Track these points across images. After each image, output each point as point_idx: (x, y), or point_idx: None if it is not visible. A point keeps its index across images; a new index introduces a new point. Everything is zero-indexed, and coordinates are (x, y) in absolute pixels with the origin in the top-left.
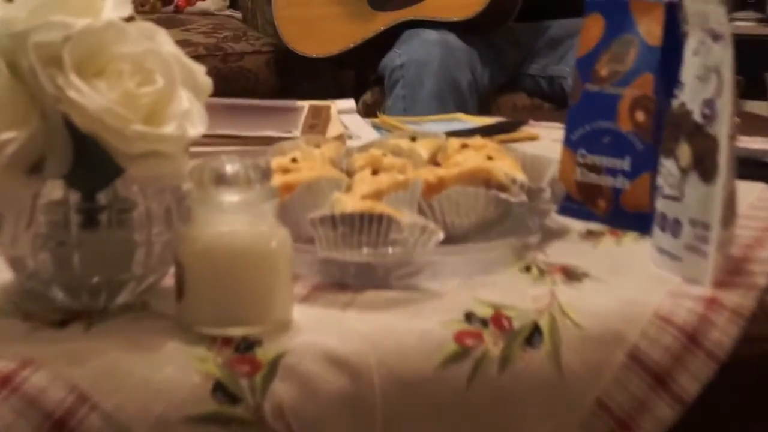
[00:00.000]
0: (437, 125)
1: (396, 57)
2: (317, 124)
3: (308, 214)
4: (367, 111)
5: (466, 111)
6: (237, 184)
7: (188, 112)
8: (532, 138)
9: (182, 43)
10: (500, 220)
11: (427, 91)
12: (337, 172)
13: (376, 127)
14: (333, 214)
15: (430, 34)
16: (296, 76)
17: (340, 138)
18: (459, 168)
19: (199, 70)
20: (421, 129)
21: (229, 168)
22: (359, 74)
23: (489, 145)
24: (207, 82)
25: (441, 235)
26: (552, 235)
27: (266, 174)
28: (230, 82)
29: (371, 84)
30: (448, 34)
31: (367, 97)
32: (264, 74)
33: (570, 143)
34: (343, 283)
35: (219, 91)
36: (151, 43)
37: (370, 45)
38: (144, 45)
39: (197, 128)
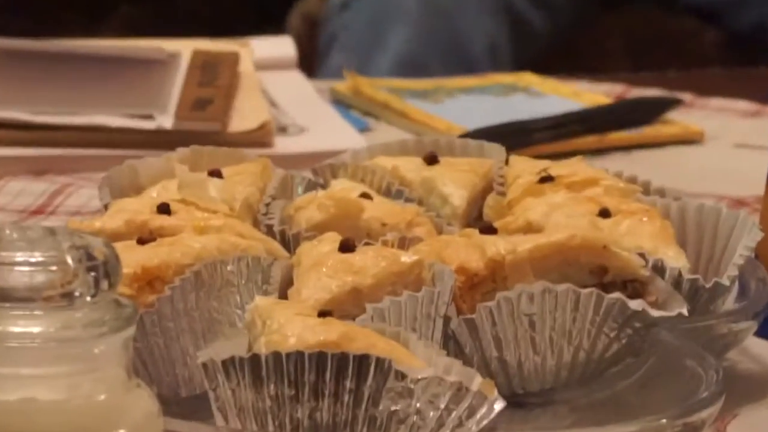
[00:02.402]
0: (472, 102)
1: None
2: (211, 99)
3: (199, 348)
4: (306, 56)
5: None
6: (35, 299)
7: None
8: (694, 137)
9: None
10: (628, 355)
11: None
12: (261, 240)
13: (343, 104)
14: (256, 355)
15: None
16: None
17: (263, 134)
18: (535, 238)
19: None
20: (444, 116)
21: (20, 260)
22: None
23: (601, 177)
24: None
25: (501, 402)
26: (748, 391)
27: (107, 266)
28: None
29: None
30: None
31: (309, 4)
32: None
33: None
34: None
35: None
36: None
37: None
38: None
39: None
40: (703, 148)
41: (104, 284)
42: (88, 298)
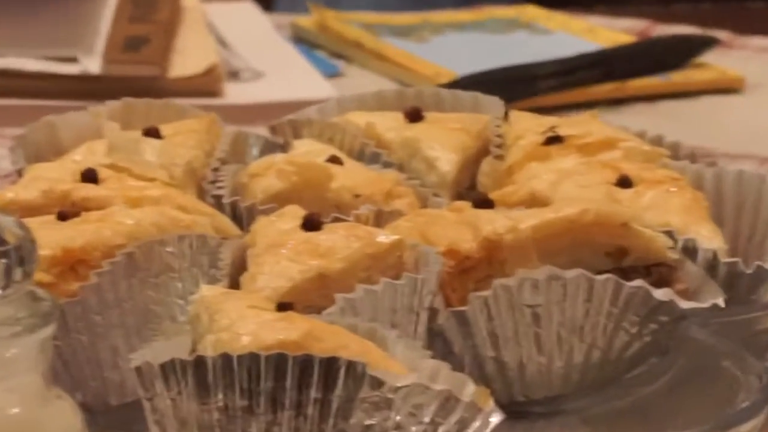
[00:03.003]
0: (465, 41)
1: None
2: (147, 37)
3: (132, 348)
4: None
5: None
6: None
7: None
8: (732, 85)
9: None
10: (652, 355)
11: None
12: (207, 214)
13: (307, 43)
14: (202, 357)
15: None
16: None
17: (210, 81)
18: (540, 213)
19: None
20: (430, 58)
21: None
22: None
23: (620, 138)
24: None
25: (498, 414)
26: None
27: (21, 252)
28: None
29: None
30: None
31: None
32: None
33: None
34: None
35: None
36: None
37: None
38: None
39: None
40: (743, 98)
41: (17, 274)
42: None
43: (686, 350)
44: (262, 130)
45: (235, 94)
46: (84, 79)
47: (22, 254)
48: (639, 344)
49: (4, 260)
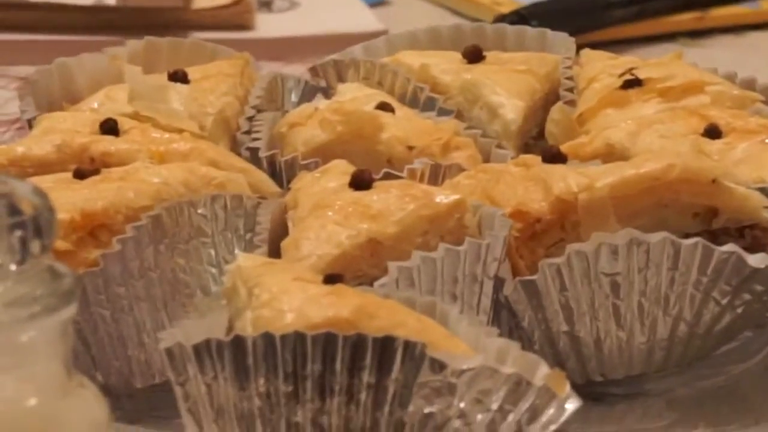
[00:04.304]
0: None
1: None
2: None
3: (159, 322)
4: None
5: None
6: None
7: None
8: None
9: None
10: (746, 328)
11: None
12: (242, 170)
13: None
14: (240, 337)
15: None
16: None
17: (240, 11)
18: (619, 168)
19: None
20: None
21: None
22: None
23: (707, 80)
24: None
25: (575, 400)
26: None
27: (39, 223)
28: None
29: None
30: None
31: None
32: None
33: None
34: None
35: None
36: None
37: None
38: None
39: None
40: None
41: (35, 247)
42: (12, 267)
43: None
44: (299, 69)
45: (267, 26)
46: (98, 10)
47: (40, 225)
48: (731, 317)
49: (19, 232)
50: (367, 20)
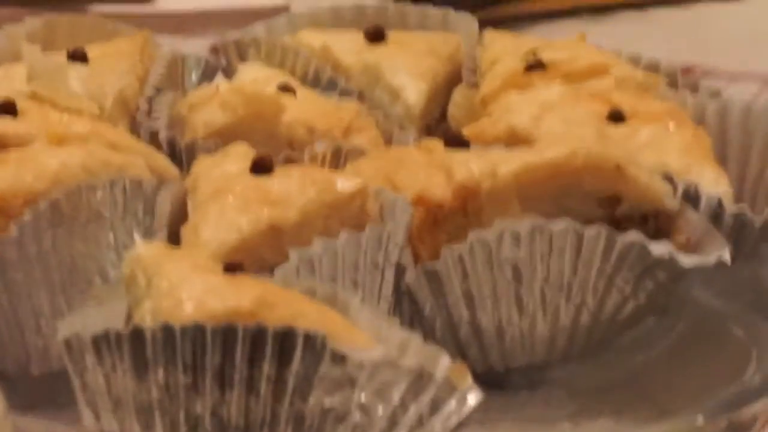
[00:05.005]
0: None
1: None
2: None
3: (57, 307)
4: None
5: None
6: None
7: None
8: None
9: None
10: (649, 317)
11: None
12: (142, 153)
13: None
14: (139, 328)
15: None
16: None
17: None
18: (522, 154)
19: None
20: None
21: None
22: None
23: (611, 63)
24: None
25: (477, 393)
26: None
27: None
28: None
29: None
30: None
31: None
32: None
33: None
34: None
35: None
36: None
37: None
38: None
39: None
40: (743, 5)
41: None
42: None
43: (687, 312)
44: (199, 44)
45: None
46: None
47: None
48: (633, 305)
49: None
50: None
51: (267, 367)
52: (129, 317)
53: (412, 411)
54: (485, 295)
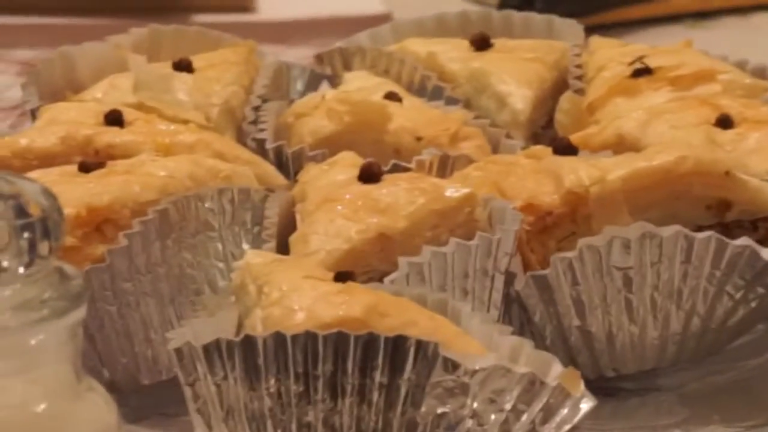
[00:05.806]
0: None
1: None
2: None
3: (166, 317)
4: None
5: None
6: None
7: None
8: None
9: None
10: (760, 323)
11: None
12: (249, 162)
13: None
14: (251, 337)
15: None
16: None
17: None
18: (630, 160)
19: None
20: None
21: None
22: None
23: (719, 69)
24: None
25: (589, 399)
26: None
27: (47, 224)
28: None
29: None
30: None
31: None
32: None
33: None
34: None
35: None
36: None
37: None
38: None
39: None
40: None
41: (43, 249)
42: (21, 270)
43: None
44: (302, 52)
45: (269, 8)
46: None
47: (48, 227)
48: (744, 311)
49: (27, 234)
50: (370, 3)
51: (379, 375)
52: (239, 326)
53: (525, 418)
54: (595, 301)
